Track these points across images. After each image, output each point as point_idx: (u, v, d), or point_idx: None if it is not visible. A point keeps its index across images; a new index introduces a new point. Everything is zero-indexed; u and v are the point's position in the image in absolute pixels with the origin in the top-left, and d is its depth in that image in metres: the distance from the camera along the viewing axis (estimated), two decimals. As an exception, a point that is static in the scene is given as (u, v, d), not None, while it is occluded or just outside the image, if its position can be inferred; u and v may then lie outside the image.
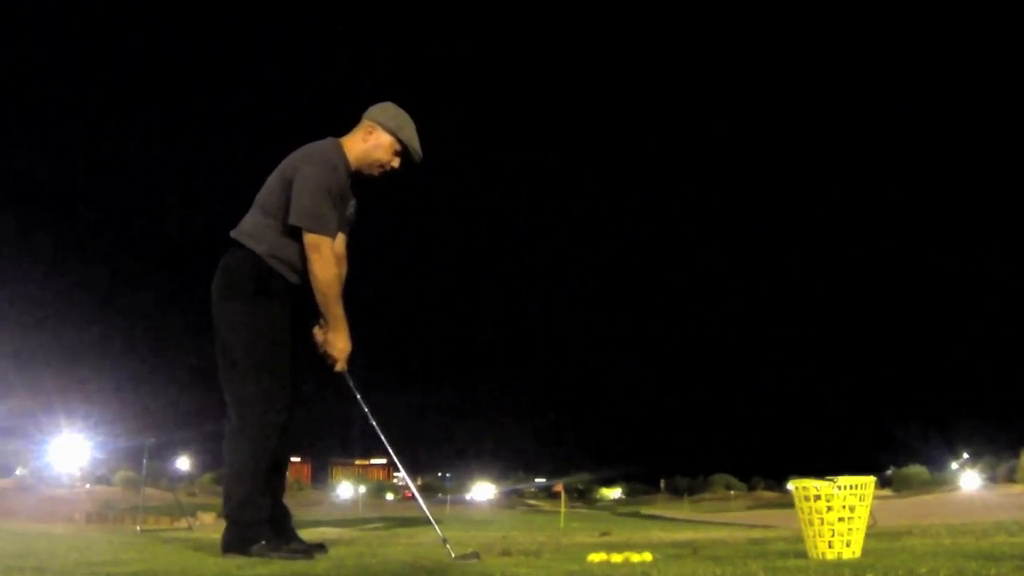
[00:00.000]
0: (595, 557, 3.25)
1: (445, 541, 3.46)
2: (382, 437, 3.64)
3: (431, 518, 3.75)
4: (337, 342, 3.50)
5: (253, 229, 3.53)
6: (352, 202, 3.70)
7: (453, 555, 3.30)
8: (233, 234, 3.55)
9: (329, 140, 3.61)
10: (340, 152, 3.56)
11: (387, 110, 3.64)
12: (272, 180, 3.56)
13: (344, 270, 3.70)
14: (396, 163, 3.63)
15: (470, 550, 3.45)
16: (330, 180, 3.45)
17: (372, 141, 3.59)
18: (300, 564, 3.11)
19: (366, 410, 3.59)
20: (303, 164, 3.48)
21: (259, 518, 3.38)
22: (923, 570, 2.37)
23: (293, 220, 3.41)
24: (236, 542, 3.38)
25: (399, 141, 3.59)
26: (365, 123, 3.62)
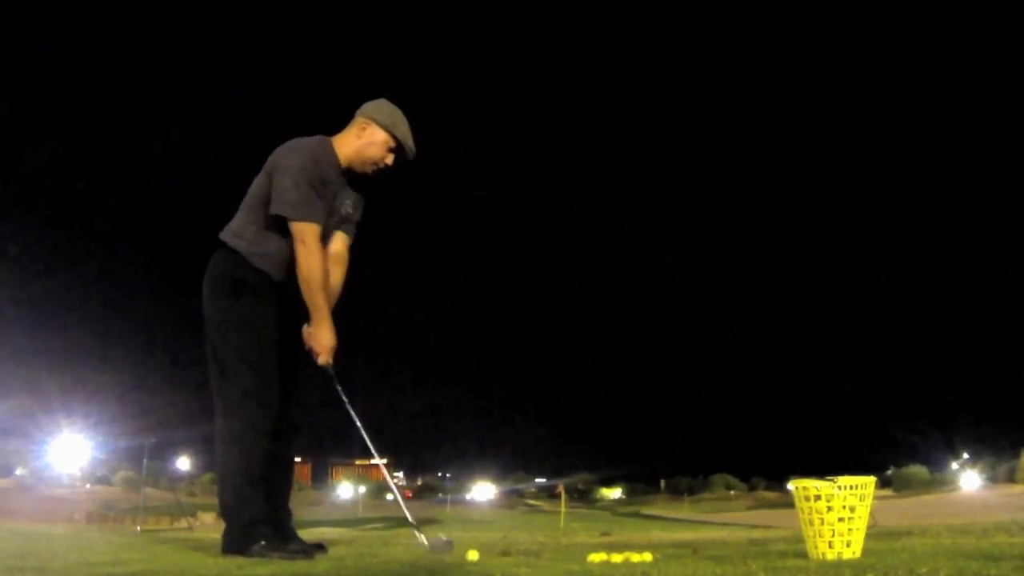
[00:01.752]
0: (595, 557, 3.25)
1: (418, 529, 3.49)
2: (364, 434, 3.62)
3: (401, 501, 3.96)
4: (319, 335, 3.45)
5: (237, 228, 3.54)
6: (350, 201, 3.68)
7: (427, 545, 3.36)
8: (221, 235, 3.57)
9: (316, 136, 3.60)
10: (325, 146, 3.55)
11: (381, 107, 3.62)
12: (257, 178, 3.56)
13: (345, 269, 3.70)
14: (390, 159, 3.62)
15: (443, 538, 3.48)
16: (310, 169, 3.43)
17: (366, 138, 3.58)
18: (300, 564, 3.11)
19: (347, 404, 3.56)
20: (282, 157, 3.48)
21: (257, 518, 3.38)
22: (923, 570, 2.37)
23: (274, 209, 3.40)
24: (236, 542, 3.37)
25: (393, 137, 3.58)
26: (359, 120, 3.61)
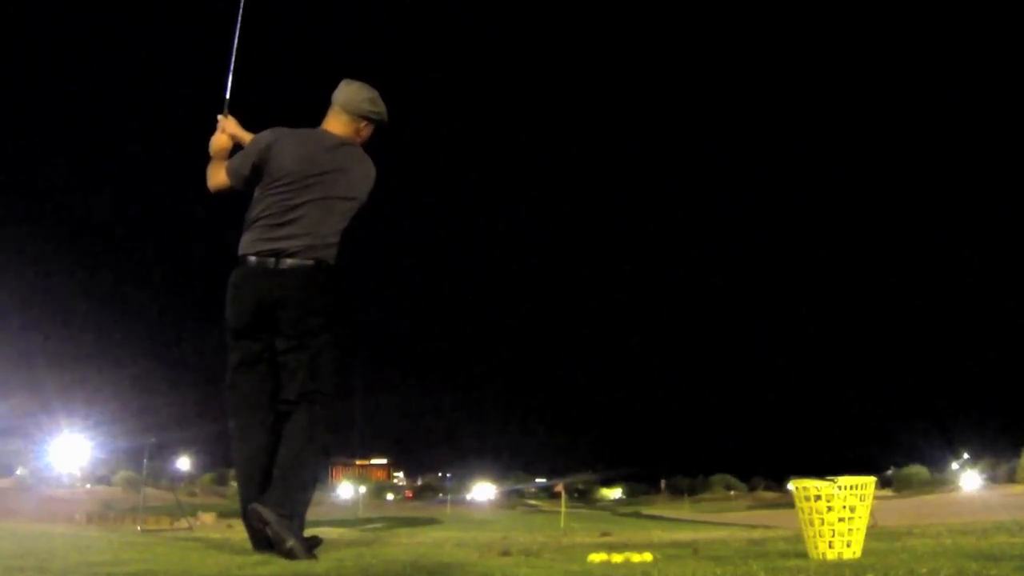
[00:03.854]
0: (596, 557, 3.25)
1: None
2: None
3: None
4: None
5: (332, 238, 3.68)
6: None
7: None
8: (320, 254, 3.65)
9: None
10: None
11: (340, 91, 3.74)
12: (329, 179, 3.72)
13: None
14: (366, 133, 3.75)
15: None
16: None
17: (332, 118, 3.73)
18: (302, 564, 3.11)
19: None
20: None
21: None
22: (923, 570, 2.37)
23: None
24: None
25: (359, 116, 3.71)
26: (333, 107, 3.74)
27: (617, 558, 3.18)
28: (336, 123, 3.69)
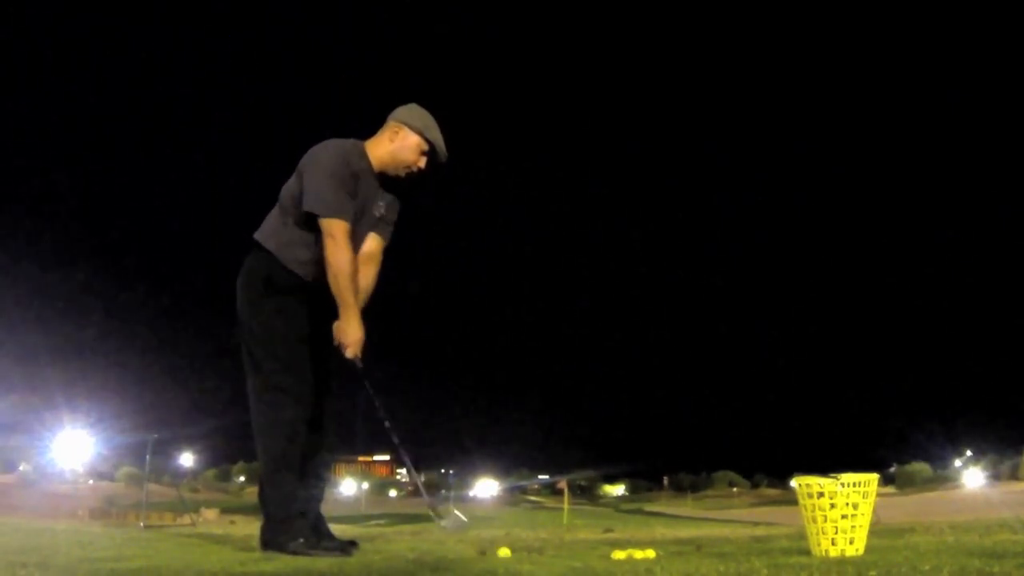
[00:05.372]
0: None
1: (434, 509, 3.52)
2: (387, 425, 3.62)
3: (422, 489, 3.93)
4: (347, 328, 3.43)
5: (270, 228, 3.57)
6: (383, 203, 3.68)
7: (442, 523, 3.42)
8: (255, 235, 3.59)
9: (350, 140, 3.61)
10: (356, 148, 3.57)
11: (413, 111, 3.63)
12: (290, 179, 3.58)
13: (377, 269, 3.70)
14: (423, 163, 3.61)
15: (462, 517, 3.57)
16: (338, 166, 3.44)
17: (399, 142, 3.58)
18: (302, 560, 3.11)
19: (376, 402, 3.57)
20: (313, 156, 3.51)
21: (296, 513, 3.38)
22: (926, 567, 2.37)
23: (305, 206, 3.42)
24: (275, 539, 3.37)
25: (426, 141, 3.59)
26: (391, 124, 3.62)
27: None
28: (389, 141, 3.62)
